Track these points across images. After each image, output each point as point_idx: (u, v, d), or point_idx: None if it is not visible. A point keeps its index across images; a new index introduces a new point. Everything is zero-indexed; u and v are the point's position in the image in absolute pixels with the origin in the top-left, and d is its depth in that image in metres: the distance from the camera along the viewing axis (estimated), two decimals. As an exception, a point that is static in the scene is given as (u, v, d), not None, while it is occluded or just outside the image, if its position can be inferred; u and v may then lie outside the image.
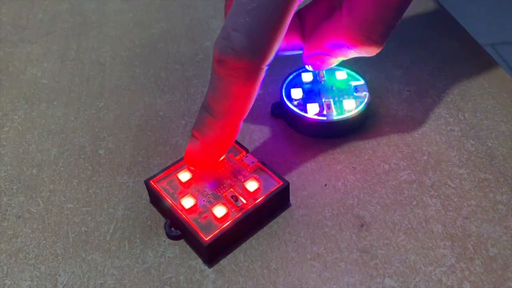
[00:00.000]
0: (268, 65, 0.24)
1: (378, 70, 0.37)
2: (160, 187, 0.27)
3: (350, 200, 0.28)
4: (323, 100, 0.32)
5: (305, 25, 0.28)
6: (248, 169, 0.28)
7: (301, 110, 0.31)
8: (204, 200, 0.27)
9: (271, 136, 0.32)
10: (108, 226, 0.27)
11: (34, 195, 0.29)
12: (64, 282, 0.25)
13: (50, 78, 0.38)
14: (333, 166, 0.30)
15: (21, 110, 0.35)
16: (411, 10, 0.42)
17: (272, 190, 0.27)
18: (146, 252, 0.26)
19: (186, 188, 0.27)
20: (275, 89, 0.35)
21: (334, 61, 0.29)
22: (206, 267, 0.25)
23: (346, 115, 0.31)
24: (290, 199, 0.28)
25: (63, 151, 0.32)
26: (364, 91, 0.32)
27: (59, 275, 0.25)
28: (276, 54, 0.24)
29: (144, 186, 0.29)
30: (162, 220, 0.28)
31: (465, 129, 0.32)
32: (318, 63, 0.29)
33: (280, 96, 0.33)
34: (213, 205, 0.26)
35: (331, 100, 0.32)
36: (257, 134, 0.32)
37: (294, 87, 0.33)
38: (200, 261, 0.26)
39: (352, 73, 0.34)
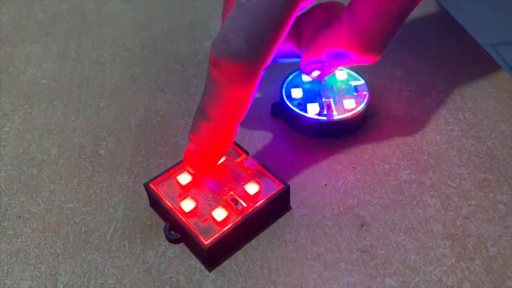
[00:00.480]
0: (265, 69, 0.23)
1: (378, 70, 0.37)
2: (159, 190, 0.27)
3: (350, 200, 0.28)
4: (323, 100, 0.32)
5: (301, 32, 0.28)
6: (249, 172, 0.28)
7: (301, 110, 0.31)
8: (204, 203, 0.26)
9: (271, 136, 0.32)
10: (108, 226, 0.27)
11: (34, 195, 0.29)
12: (64, 282, 0.25)
13: (50, 78, 0.38)
14: (333, 166, 0.30)
15: (21, 110, 0.35)
16: (411, 10, 0.42)
17: (272, 193, 0.27)
18: (146, 252, 0.26)
19: (186, 191, 0.27)
20: (275, 89, 0.35)
21: (333, 69, 0.29)
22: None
23: (346, 115, 0.31)
24: (290, 199, 0.28)
25: (63, 151, 0.32)
26: (364, 91, 0.32)
27: (59, 275, 0.25)
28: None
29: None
30: (162, 220, 0.28)
31: (465, 129, 0.32)
32: (316, 71, 0.28)
33: (280, 96, 0.33)
34: (213, 208, 0.26)
35: (331, 100, 0.32)
36: (257, 134, 0.32)
37: (294, 87, 0.33)
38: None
39: (352, 73, 0.34)
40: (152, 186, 0.27)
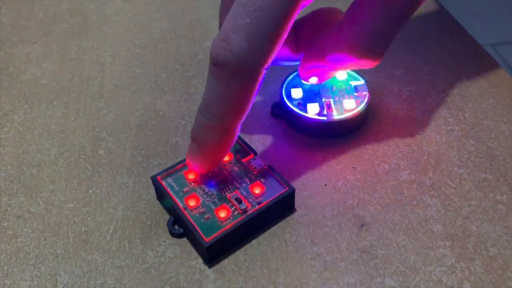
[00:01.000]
0: (266, 68, 0.23)
1: (378, 70, 0.37)
2: (166, 183, 0.27)
3: (350, 200, 0.28)
4: (323, 100, 0.32)
5: (299, 36, 0.28)
6: (255, 172, 0.28)
7: (301, 110, 0.31)
8: (208, 200, 0.27)
9: (271, 136, 0.32)
10: (108, 226, 0.27)
11: (34, 195, 0.29)
12: (64, 282, 0.25)
13: (50, 78, 0.38)
14: (333, 166, 0.30)
15: (21, 110, 0.35)
16: (411, 10, 0.42)
17: (277, 195, 0.27)
18: (146, 252, 0.26)
19: (192, 186, 0.27)
20: (275, 89, 0.35)
21: (333, 73, 0.29)
22: (206, 267, 0.25)
23: (346, 115, 0.31)
24: (290, 199, 0.28)
25: (63, 151, 0.32)
26: (364, 91, 0.32)
27: (59, 275, 0.25)
28: None
29: (144, 185, 0.29)
30: (162, 220, 0.28)
31: (465, 129, 0.32)
32: (315, 75, 0.28)
33: (280, 96, 0.33)
34: (217, 206, 0.26)
35: (331, 100, 0.32)
36: (257, 134, 0.32)
37: (294, 87, 0.33)
38: (200, 261, 0.26)
39: (352, 73, 0.34)
40: (160, 179, 0.28)
